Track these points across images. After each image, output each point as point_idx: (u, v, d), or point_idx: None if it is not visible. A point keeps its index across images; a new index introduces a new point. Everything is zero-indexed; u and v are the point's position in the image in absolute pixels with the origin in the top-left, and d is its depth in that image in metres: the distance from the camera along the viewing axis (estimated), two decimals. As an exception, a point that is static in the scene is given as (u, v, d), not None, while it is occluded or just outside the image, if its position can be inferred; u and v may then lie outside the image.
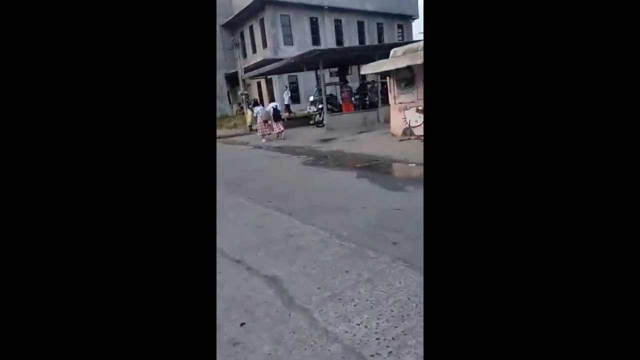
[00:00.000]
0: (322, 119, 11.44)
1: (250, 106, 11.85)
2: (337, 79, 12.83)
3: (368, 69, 8.04)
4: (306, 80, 19.16)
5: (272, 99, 13.79)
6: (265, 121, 10.06)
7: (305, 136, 10.07)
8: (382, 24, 21.89)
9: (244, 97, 13.60)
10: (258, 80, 18.27)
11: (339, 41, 19.93)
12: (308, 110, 12.62)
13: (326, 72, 10.73)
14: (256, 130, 10.57)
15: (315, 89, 13.92)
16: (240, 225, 3.14)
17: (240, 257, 2.46)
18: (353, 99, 12.00)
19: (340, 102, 11.81)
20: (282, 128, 10.17)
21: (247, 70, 14.55)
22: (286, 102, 14.35)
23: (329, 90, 12.12)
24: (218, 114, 20.91)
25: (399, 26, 22.52)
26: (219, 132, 14.62)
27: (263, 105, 11.35)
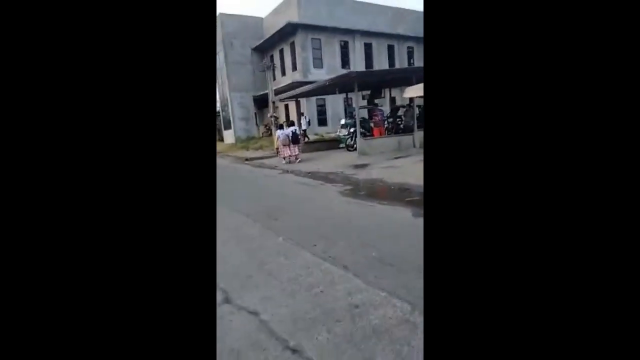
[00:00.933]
0: (354, 143, 10.89)
1: (277, 129, 11.59)
2: (366, 102, 12.35)
3: (411, 92, 7.47)
4: (334, 103, 18.89)
5: (299, 122, 13.46)
6: (285, 144, 10.36)
7: (337, 160, 9.50)
8: (412, 47, 21.58)
9: (272, 119, 13.31)
10: (286, 102, 18.14)
11: (369, 65, 19.66)
12: (338, 133, 12.13)
13: (357, 96, 10.21)
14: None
15: (347, 111, 13.49)
16: (285, 284, 2.49)
17: (297, 343, 1.78)
18: (386, 122, 11.44)
19: (372, 126, 11.25)
20: (298, 152, 10.59)
21: (276, 92, 14.39)
22: (303, 127, 13.83)
23: (361, 113, 11.66)
24: (245, 136, 20.90)
25: (429, 50, 22.13)
26: (246, 154, 14.39)
27: (295, 126, 11.20)
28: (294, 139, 10.40)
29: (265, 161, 11.58)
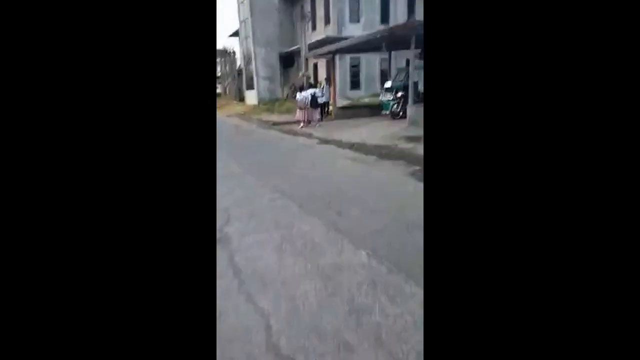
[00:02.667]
0: (401, 110, 9.37)
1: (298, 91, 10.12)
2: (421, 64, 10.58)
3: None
4: (369, 64, 16.95)
5: (333, 82, 11.79)
6: (301, 108, 9.58)
7: (382, 130, 8.08)
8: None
9: (305, 78, 11.72)
10: (315, 61, 16.32)
11: (410, 20, 17.33)
12: (381, 97, 10.55)
13: (414, 53, 8.49)
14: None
15: (389, 73, 11.74)
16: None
17: None
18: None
19: (422, 92, 9.62)
20: (318, 117, 9.94)
21: (309, 48, 12.62)
22: (322, 97, 11.65)
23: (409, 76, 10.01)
24: (268, 97, 19.38)
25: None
26: (271, 117, 13.03)
27: (316, 88, 10.35)
28: (313, 103, 9.69)
29: (296, 127, 10.25)
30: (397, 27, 8.62)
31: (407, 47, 9.78)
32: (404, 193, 3.64)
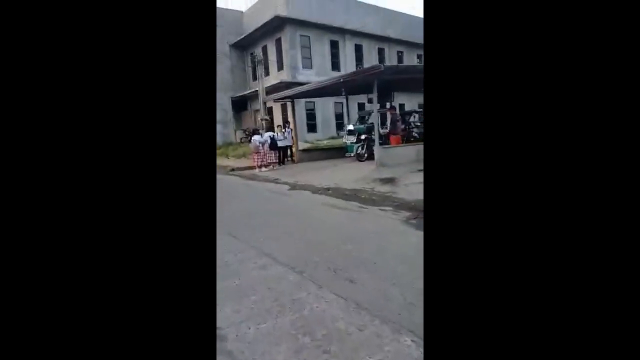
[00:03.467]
0: (366, 152, 9.33)
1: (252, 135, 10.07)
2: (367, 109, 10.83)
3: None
4: (324, 107, 17.30)
5: (293, 125, 11.55)
6: (257, 151, 9.72)
7: (352, 173, 7.86)
8: (402, 52, 20.63)
9: (264, 122, 11.36)
10: (270, 106, 16.20)
11: (359, 66, 18.33)
12: (344, 140, 10.50)
13: (374, 96, 8.60)
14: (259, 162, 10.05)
15: (349, 117, 11.89)
16: None
17: None
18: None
19: (387, 133, 9.76)
20: (275, 160, 10.11)
21: (254, 92, 12.45)
22: (286, 141, 11.05)
23: (369, 119, 10.16)
24: (221, 141, 18.67)
25: (418, 56, 21.21)
26: (227, 162, 12.32)
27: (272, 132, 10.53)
28: (273, 146, 9.93)
29: (256, 172, 9.67)
30: (359, 72, 8.77)
31: (365, 92, 10.03)
32: (409, 246, 3.21)
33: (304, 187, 6.94)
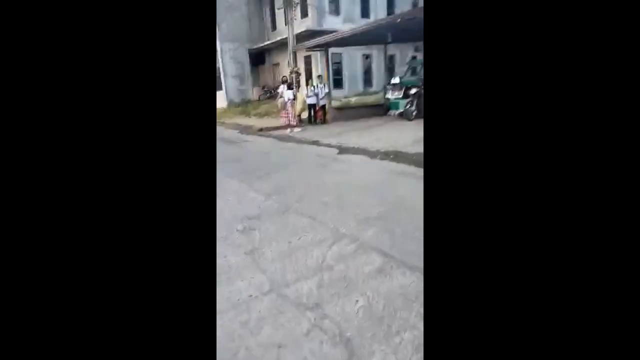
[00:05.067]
0: (415, 109, 8.16)
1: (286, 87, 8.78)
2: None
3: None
4: (351, 61, 15.72)
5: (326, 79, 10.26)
6: (286, 110, 8.87)
7: (404, 135, 6.78)
8: None
9: (294, 75, 10.05)
10: (304, 55, 14.65)
11: (390, 14, 16.40)
12: (387, 95, 9.25)
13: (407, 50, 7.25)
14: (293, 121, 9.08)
15: (392, 69, 10.50)
16: None
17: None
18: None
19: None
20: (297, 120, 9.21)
21: (275, 43, 10.99)
22: (321, 96, 10.06)
23: (421, 70, 8.81)
24: (239, 98, 17.41)
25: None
26: (250, 122, 11.24)
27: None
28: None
29: (289, 132, 8.63)
30: (409, 13, 7.36)
31: (414, 39, 8.65)
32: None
33: (355, 151, 5.94)
